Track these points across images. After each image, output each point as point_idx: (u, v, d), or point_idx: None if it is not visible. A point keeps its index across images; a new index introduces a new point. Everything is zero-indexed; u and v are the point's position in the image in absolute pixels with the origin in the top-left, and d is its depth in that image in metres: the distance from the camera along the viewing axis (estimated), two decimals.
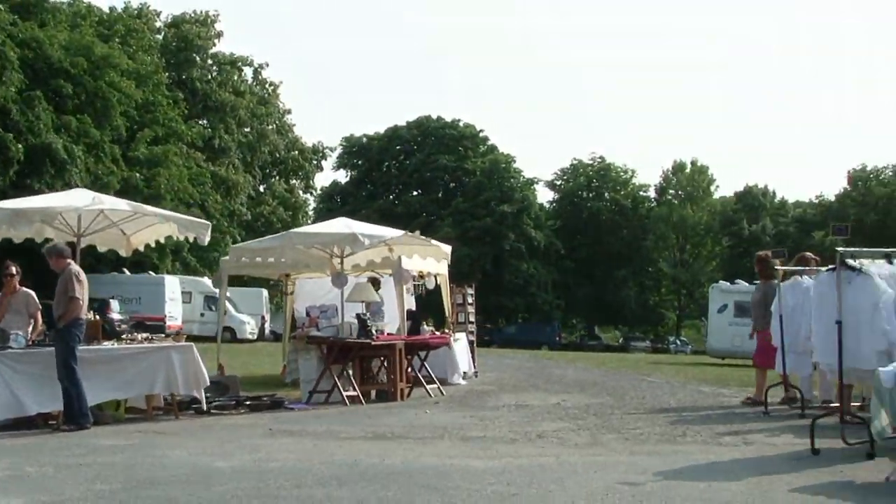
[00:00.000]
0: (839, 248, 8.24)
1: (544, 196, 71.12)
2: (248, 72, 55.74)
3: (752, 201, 68.84)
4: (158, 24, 51.80)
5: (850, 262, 8.50)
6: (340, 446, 9.05)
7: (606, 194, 68.39)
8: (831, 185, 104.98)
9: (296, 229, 16.95)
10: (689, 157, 72.63)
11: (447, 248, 15.34)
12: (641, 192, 70.14)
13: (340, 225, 14.27)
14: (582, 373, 21.05)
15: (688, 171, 69.70)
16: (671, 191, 70.42)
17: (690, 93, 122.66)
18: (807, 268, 11.31)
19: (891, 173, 63.86)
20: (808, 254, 11.94)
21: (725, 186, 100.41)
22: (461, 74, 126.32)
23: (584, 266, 66.99)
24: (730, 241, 67.19)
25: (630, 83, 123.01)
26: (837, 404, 9.36)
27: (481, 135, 67.08)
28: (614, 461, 8.18)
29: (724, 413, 11.86)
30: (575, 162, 69.76)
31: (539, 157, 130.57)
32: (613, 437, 9.65)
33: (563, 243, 66.04)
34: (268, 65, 56.20)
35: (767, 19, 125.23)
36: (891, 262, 8.81)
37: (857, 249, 8.66)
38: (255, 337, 41.83)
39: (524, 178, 66.12)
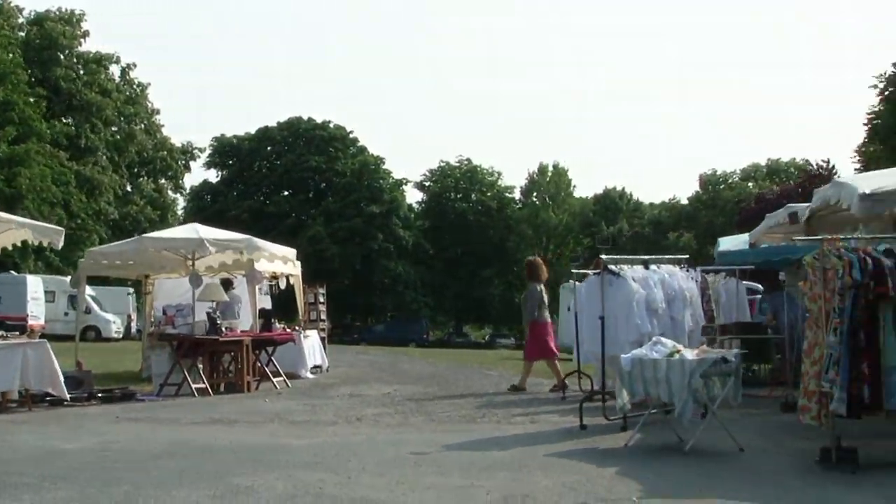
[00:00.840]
0: (602, 256, 9.89)
1: (413, 197, 72.77)
2: (115, 71, 55.44)
3: (610, 203, 72.10)
4: (21, 20, 51.06)
5: (612, 267, 10.18)
6: (179, 430, 10.25)
7: (473, 196, 70.35)
8: (684, 189, 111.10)
9: (148, 234, 17.91)
10: (552, 159, 75.56)
11: (292, 252, 16.56)
12: (507, 194, 72.38)
13: (189, 230, 15.36)
14: (429, 367, 22.50)
15: (550, 173, 72.30)
16: (535, 193, 72.89)
17: (552, 96, 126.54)
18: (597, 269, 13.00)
19: (738, 178, 67.92)
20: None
21: (585, 188, 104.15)
22: (332, 76, 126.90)
23: (452, 265, 68.85)
24: (590, 241, 70.13)
25: (495, 86, 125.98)
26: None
27: (351, 136, 68.26)
28: (414, 438, 9.64)
29: (530, 399, 13.44)
30: (443, 164, 71.67)
31: (408, 158, 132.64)
32: (422, 419, 11.12)
33: (431, 243, 67.71)
34: (135, 65, 56.02)
35: (622, 23, 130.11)
36: (647, 268, 10.54)
37: (621, 257, 10.35)
38: (121, 336, 41.94)
39: (393, 179, 67.62)
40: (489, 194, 70.68)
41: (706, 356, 8.62)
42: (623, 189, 73.97)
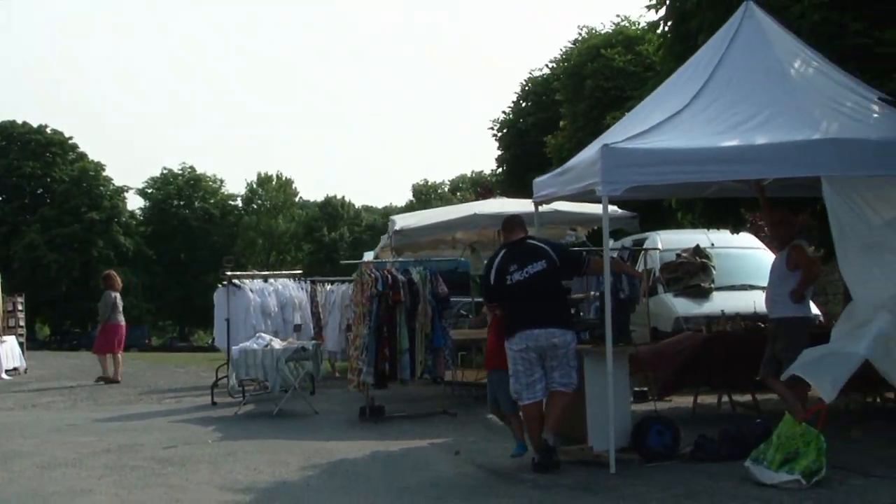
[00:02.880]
0: (227, 273, 13.04)
1: (136, 203, 72.89)
2: None
3: (332, 211, 75.78)
4: None
5: (235, 281, 13.35)
6: None
7: (196, 203, 71.54)
8: (400, 196, 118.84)
9: None
10: (276, 168, 78.38)
11: None
12: (231, 202, 74.14)
13: None
14: (126, 367, 24.64)
15: (274, 182, 75.00)
16: (259, 201, 75.22)
17: (275, 107, 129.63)
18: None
19: (447, 189, 73.63)
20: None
21: (309, 196, 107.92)
22: (50, 79, 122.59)
23: (175, 271, 69.77)
24: (312, 247, 73.46)
25: (221, 94, 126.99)
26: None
27: (70, 142, 67.54)
28: (74, 415, 12.33)
29: (192, 387, 16.28)
30: (165, 171, 72.31)
31: (130, 165, 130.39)
32: (89, 403, 13.78)
33: (153, 249, 68.24)
34: None
35: (337, 39, 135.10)
36: (266, 281, 13.81)
37: (242, 273, 13.51)
38: None
39: (114, 186, 67.54)
40: (212, 201, 72.14)
41: (289, 346, 11.95)
42: (344, 197, 78.01)
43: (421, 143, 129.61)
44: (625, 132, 8.45)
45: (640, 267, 14.68)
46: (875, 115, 7.98)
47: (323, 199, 78.36)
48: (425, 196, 72.54)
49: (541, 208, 10.59)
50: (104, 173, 66.89)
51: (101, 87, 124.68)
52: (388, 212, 76.40)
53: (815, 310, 10.88)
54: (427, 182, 74.29)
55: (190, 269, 70.00)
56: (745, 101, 8.14)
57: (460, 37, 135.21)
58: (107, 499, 7.26)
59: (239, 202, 74.80)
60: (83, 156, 67.75)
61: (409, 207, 72.80)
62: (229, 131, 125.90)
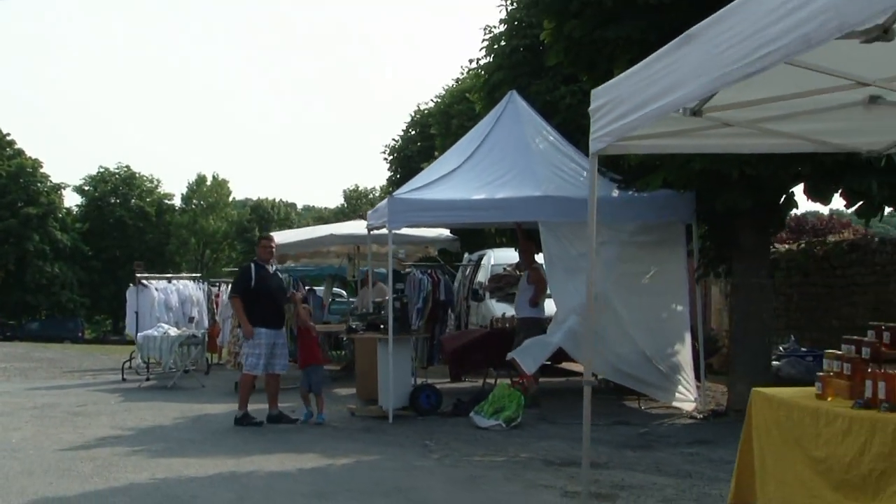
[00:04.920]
0: (138, 273, 16.17)
1: (73, 200, 74.81)
2: None
3: (263, 213, 78.62)
4: None
5: (143, 281, 16.53)
6: None
7: (133, 201, 73.63)
8: (332, 200, 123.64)
9: None
10: (212, 170, 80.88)
11: None
12: (166, 201, 76.33)
13: None
14: (55, 354, 27.43)
15: (209, 183, 77.56)
16: (195, 200, 77.66)
17: (214, 110, 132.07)
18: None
19: (379, 194, 76.69)
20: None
21: (251, 196, 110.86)
22: None
23: (110, 267, 71.80)
24: (244, 247, 76.17)
25: (155, 94, 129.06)
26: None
27: (8, 138, 69.31)
28: (8, 386, 15.38)
29: (109, 368, 19.30)
30: (102, 169, 74.31)
31: (68, 162, 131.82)
32: (20, 379, 16.83)
33: (90, 245, 70.33)
34: None
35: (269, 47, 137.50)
36: (169, 281, 16.99)
37: (153, 275, 16.65)
38: None
39: (52, 182, 69.48)
40: (148, 200, 74.32)
41: (182, 333, 15.16)
42: (275, 199, 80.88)
43: (356, 151, 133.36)
44: (416, 183, 11.87)
45: (482, 277, 18.13)
46: (582, 178, 11.44)
47: (255, 200, 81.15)
48: (356, 201, 75.63)
49: (380, 231, 13.94)
50: (41, 170, 68.86)
51: (40, 86, 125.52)
52: (320, 215, 79.48)
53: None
54: (358, 188, 77.58)
55: (125, 266, 72.08)
56: (496, 165, 11.57)
57: (401, 47, 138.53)
58: (31, 433, 10.41)
59: (178, 201, 77.18)
60: (20, 152, 69.57)
61: (339, 212, 75.94)
62: (168, 131, 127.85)
